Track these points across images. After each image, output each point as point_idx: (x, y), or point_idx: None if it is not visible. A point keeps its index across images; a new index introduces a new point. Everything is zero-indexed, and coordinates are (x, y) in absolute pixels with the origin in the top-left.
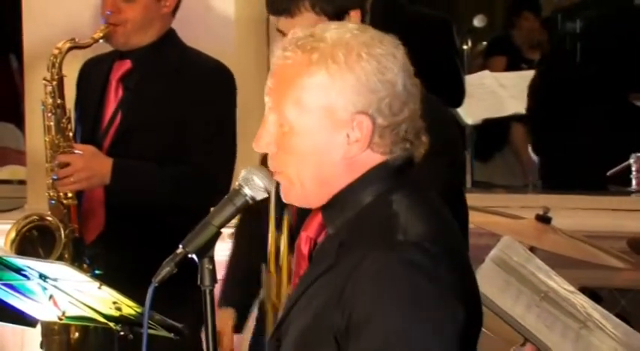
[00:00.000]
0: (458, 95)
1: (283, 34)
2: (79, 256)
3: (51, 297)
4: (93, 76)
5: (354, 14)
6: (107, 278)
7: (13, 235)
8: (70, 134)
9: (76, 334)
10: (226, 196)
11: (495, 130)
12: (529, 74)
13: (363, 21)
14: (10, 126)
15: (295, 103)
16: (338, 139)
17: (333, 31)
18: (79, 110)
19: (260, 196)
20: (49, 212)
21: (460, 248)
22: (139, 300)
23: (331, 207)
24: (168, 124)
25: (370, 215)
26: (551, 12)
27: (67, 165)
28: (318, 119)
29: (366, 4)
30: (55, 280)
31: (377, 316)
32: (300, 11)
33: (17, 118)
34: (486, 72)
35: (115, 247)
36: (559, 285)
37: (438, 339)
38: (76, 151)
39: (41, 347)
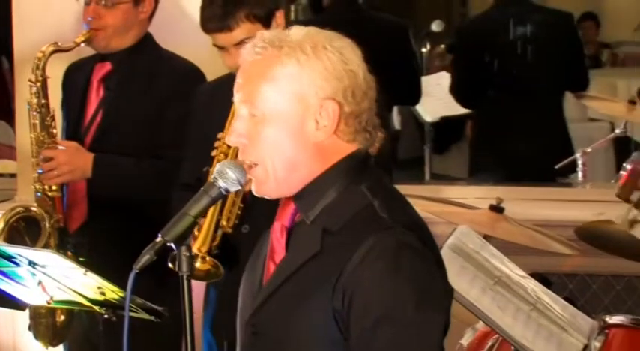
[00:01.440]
0: (415, 94)
1: (222, 48)
2: (64, 245)
3: (40, 282)
4: (76, 77)
5: (279, 15)
6: (90, 265)
7: (1, 225)
8: (54, 131)
9: (62, 317)
10: (202, 189)
11: (452, 126)
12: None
13: (286, 20)
14: (1, 123)
15: (268, 92)
16: (308, 124)
17: (295, 31)
18: (65, 109)
19: (233, 188)
20: (35, 204)
21: (430, 233)
22: (121, 285)
23: (305, 196)
24: (145, 121)
25: (348, 203)
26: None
27: (51, 160)
28: (290, 105)
29: (289, 5)
30: (43, 266)
31: (387, 296)
32: (237, 24)
33: (8, 116)
34: (444, 73)
35: (97, 236)
36: (511, 270)
37: (437, 312)
38: (60, 147)
39: (29, 329)
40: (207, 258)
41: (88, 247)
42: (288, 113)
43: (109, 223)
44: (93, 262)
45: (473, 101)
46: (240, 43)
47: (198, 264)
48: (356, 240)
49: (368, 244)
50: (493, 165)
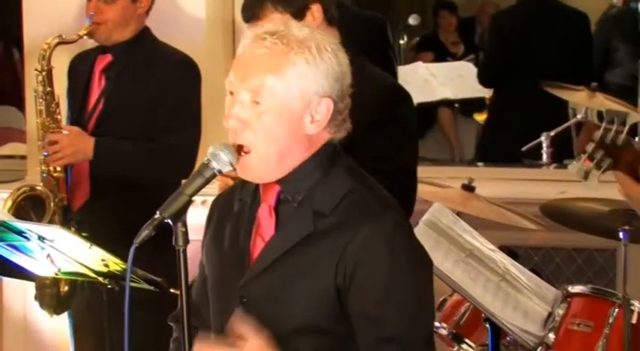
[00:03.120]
0: None
1: None
2: (67, 221)
3: (48, 255)
4: (80, 68)
5: (316, 8)
6: (92, 240)
7: (9, 204)
8: (59, 117)
9: (65, 288)
10: (196, 169)
11: (426, 112)
12: (456, 65)
13: (325, 15)
14: (13, 109)
15: (277, 86)
16: (305, 118)
17: (296, 28)
18: (69, 97)
19: (225, 169)
20: (40, 184)
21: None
22: (122, 259)
23: (291, 180)
24: (143, 108)
25: (334, 188)
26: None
27: (55, 143)
28: (294, 100)
29: None
30: (51, 241)
31: (388, 274)
32: (265, 14)
33: (19, 102)
34: (420, 63)
35: (99, 214)
36: (482, 244)
37: (430, 281)
38: (63, 131)
39: (35, 299)
40: None
41: (90, 223)
42: (292, 107)
43: (109, 202)
44: (95, 238)
45: (493, 83)
46: None
47: None
48: (353, 223)
49: (368, 229)
50: (503, 143)
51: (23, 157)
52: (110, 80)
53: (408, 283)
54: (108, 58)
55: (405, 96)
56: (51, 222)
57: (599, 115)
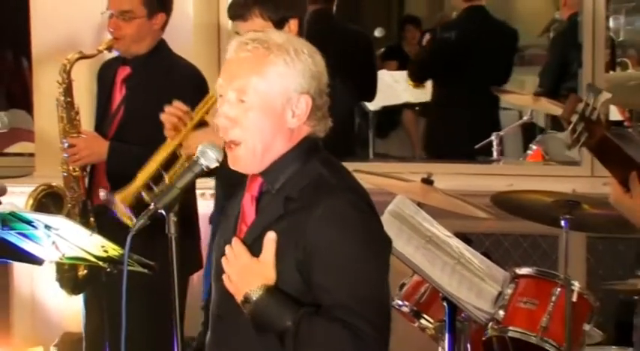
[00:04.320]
0: (373, 92)
1: (238, 34)
2: (86, 214)
3: (54, 242)
4: (106, 75)
5: (293, 22)
6: (108, 228)
7: (31, 202)
8: (77, 123)
9: (84, 272)
10: (187, 166)
11: (391, 114)
12: None
13: (300, 29)
14: (22, 112)
15: (260, 85)
16: (287, 113)
17: (275, 34)
18: (98, 103)
19: (213, 165)
20: (55, 181)
21: (367, 193)
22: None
23: (272, 171)
24: (157, 116)
25: (305, 175)
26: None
27: (73, 146)
28: (275, 97)
29: (304, 15)
30: (56, 229)
31: (338, 243)
32: (251, 17)
33: (27, 106)
34: (385, 71)
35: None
36: (439, 231)
37: (378, 258)
38: (81, 136)
39: (56, 280)
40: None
41: (107, 215)
42: (274, 103)
43: None
44: (111, 228)
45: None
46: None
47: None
48: (312, 202)
49: (323, 206)
50: (444, 140)
51: (31, 155)
52: (129, 89)
53: (356, 255)
54: (127, 69)
55: None
56: (69, 214)
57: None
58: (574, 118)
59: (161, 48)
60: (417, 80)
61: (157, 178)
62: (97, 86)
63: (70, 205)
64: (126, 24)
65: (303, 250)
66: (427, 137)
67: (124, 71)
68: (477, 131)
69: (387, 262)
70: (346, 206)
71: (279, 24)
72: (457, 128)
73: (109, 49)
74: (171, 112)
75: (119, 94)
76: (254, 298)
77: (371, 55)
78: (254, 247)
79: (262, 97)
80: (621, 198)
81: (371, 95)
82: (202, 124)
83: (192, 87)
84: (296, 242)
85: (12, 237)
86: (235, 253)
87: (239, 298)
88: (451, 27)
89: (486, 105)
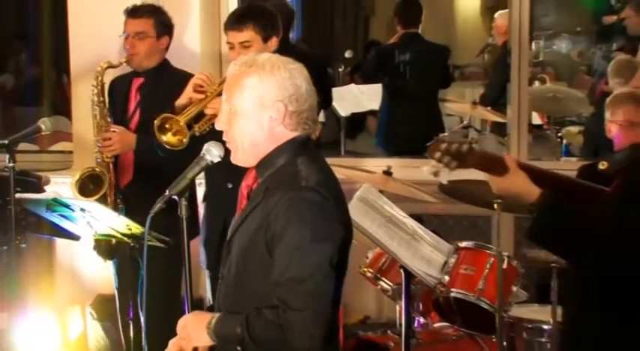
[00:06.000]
0: (329, 103)
1: (231, 47)
2: (115, 194)
3: (88, 222)
4: (119, 87)
5: (275, 40)
6: (133, 208)
7: (77, 177)
8: (108, 119)
9: (114, 241)
10: (195, 160)
11: (358, 119)
12: (378, 86)
13: (276, 45)
14: (63, 118)
15: (239, 95)
16: (264, 118)
17: (264, 56)
18: (111, 108)
19: (216, 159)
20: (97, 167)
21: (340, 191)
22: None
23: (261, 166)
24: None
25: (284, 170)
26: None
27: (108, 139)
28: (253, 105)
29: (280, 34)
30: (90, 211)
31: (289, 233)
32: (245, 29)
33: (67, 113)
34: (352, 85)
35: (138, 190)
36: (397, 212)
37: (324, 247)
38: (113, 129)
39: (93, 249)
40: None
41: (133, 196)
42: (252, 110)
43: (146, 182)
44: (135, 208)
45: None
46: (243, 43)
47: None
48: (280, 194)
49: (285, 197)
50: (395, 141)
51: (70, 152)
52: (143, 95)
53: (300, 241)
54: (141, 80)
55: None
56: (105, 195)
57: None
58: (437, 155)
59: (166, 63)
60: (366, 81)
61: (189, 125)
62: (108, 97)
63: (107, 185)
64: (139, 43)
65: (270, 233)
66: (386, 137)
67: (137, 81)
68: (426, 132)
69: (332, 249)
70: (303, 201)
71: (265, 39)
72: (410, 130)
73: (128, 62)
74: (198, 76)
75: (134, 100)
76: (212, 333)
77: (325, 74)
78: (238, 234)
79: (242, 106)
80: (498, 183)
81: (328, 104)
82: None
83: None
84: (266, 226)
85: (55, 218)
86: (179, 327)
87: (206, 346)
88: (386, 48)
89: (430, 112)
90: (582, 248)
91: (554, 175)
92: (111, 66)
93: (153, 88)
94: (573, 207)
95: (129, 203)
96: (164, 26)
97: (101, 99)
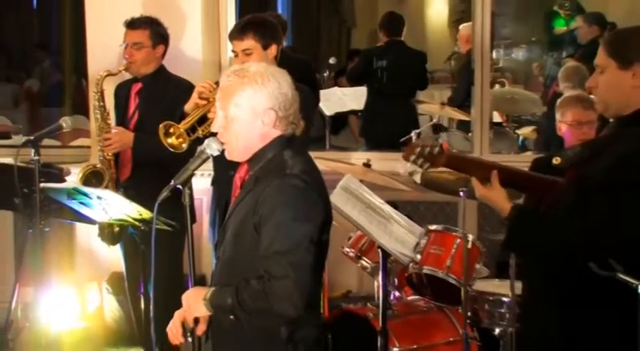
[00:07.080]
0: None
1: (235, 54)
2: (116, 188)
3: (103, 208)
4: (122, 91)
5: (274, 47)
6: (132, 200)
7: (80, 174)
8: (109, 121)
9: (117, 229)
10: (196, 154)
11: (341, 118)
12: (360, 89)
13: (278, 52)
14: (82, 117)
15: (235, 105)
16: (257, 123)
17: (253, 66)
18: (116, 110)
19: (215, 153)
20: (99, 164)
21: (321, 179)
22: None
23: (253, 160)
24: (162, 118)
25: (272, 162)
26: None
27: (108, 139)
28: (246, 113)
29: (281, 42)
30: (105, 199)
31: (275, 213)
32: (247, 37)
33: (85, 112)
34: (336, 87)
35: (137, 183)
36: (375, 199)
37: (306, 225)
38: (113, 130)
39: (98, 236)
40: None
41: (132, 189)
42: (246, 117)
43: (144, 176)
44: (135, 198)
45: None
46: (244, 50)
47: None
48: (268, 181)
49: (273, 184)
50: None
51: (88, 147)
52: (142, 99)
53: (284, 220)
54: (139, 85)
55: None
56: (106, 187)
57: (434, 128)
58: (412, 157)
59: (162, 69)
60: (353, 82)
61: (193, 128)
62: (114, 100)
63: (107, 180)
64: (137, 52)
65: (258, 215)
66: (366, 133)
67: (136, 86)
68: (401, 129)
69: (313, 228)
70: (289, 187)
71: (265, 47)
72: (387, 127)
73: (126, 70)
74: (202, 85)
75: (134, 103)
76: (208, 304)
77: (313, 77)
78: (231, 220)
79: (237, 115)
80: (483, 192)
81: (318, 101)
82: None
83: (185, 93)
84: (255, 210)
85: (74, 205)
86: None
87: (205, 316)
88: (374, 52)
89: (407, 111)
90: (547, 252)
91: (519, 171)
92: (110, 74)
93: (150, 92)
94: (537, 217)
95: (128, 195)
96: (159, 36)
97: (101, 104)
